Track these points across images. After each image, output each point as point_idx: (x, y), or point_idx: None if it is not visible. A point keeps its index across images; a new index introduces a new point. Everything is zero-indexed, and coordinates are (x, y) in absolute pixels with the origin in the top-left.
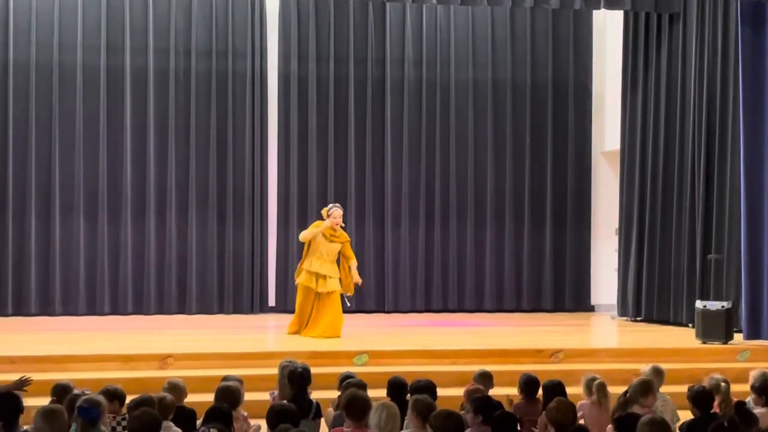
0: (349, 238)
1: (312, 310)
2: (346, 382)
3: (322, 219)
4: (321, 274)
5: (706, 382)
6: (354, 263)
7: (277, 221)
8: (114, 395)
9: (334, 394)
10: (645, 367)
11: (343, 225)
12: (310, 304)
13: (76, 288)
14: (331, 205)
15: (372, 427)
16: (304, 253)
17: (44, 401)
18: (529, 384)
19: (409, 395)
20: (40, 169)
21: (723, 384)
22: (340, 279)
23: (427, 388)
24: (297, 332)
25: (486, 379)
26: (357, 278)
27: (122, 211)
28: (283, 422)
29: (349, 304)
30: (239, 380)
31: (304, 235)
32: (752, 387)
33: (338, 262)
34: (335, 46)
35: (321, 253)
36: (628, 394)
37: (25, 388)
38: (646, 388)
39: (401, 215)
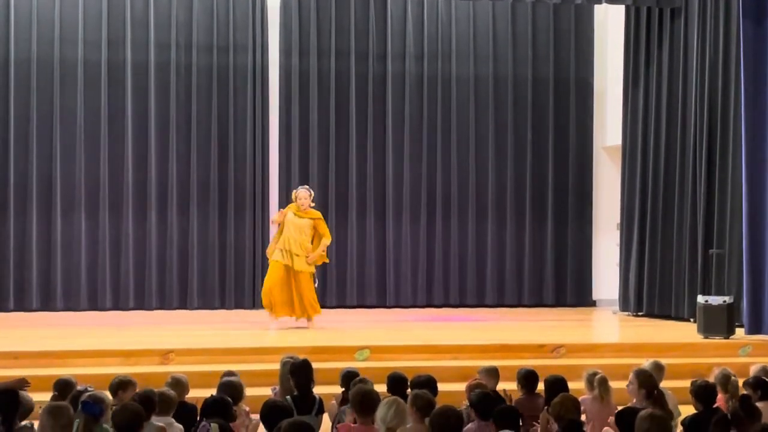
0: (320, 216)
1: (292, 289)
2: (356, 380)
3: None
4: (292, 251)
5: (714, 375)
6: (325, 241)
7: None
8: (128, 384)
9: (336, 389)
10: (646, 363)
11: (313, 204)
12: (283, 281)
13: (78, 283)
14: (299, 188)
15: (377, 420)
16: (276, 233)
17: (46, 396)
18: (528, 378)
19: (409, 390)
20: (41, 165)
21: (733, 378)
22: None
23: (428, 383)
24: (270, 307)
25: (491, 374)
26: (318, 254)
27: (123, 206)
28: (277, 418)
29: (315, 284)
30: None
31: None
32: (746, 383)
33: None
34: (336, 41)
35: (290, 230)
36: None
37: (24, 388)
38: None
39: (402, 210)
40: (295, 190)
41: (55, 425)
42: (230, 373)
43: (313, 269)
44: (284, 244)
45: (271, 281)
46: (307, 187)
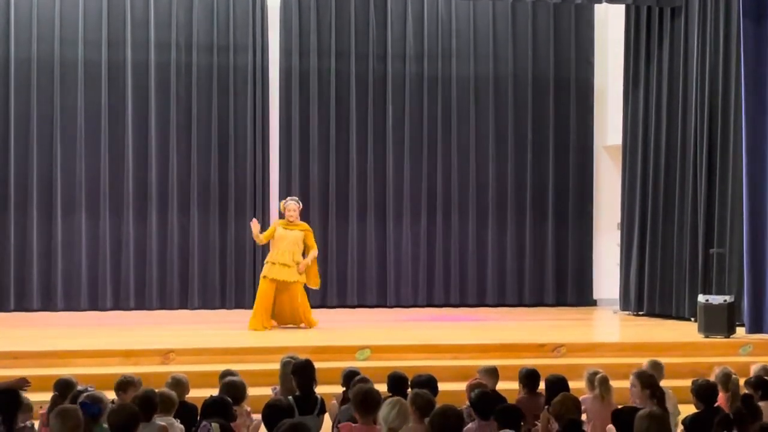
0: (309, 228)
1: (274, 301)
2: (356, 379)
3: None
4: (280, 263)
5: (714, 374)
6: (314, 252)
7: (278, 216)
8: (128, 385)
9: (337, 389)
10: (646, 362)
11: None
12: (271, 297)
13: (78, 283)
14: (287, 199)
15: (380, 419)
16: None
17: (46, 396)
18: (529, 377)
19: (409, 390)
20: (41, 165)
21: (733, 377)
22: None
23: (428, 383)
24: (258, 328)
25: (490, 374)
26: (307, 263)
27: (124, 206)
28: (279, 418)
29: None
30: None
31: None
32: (747, 382)
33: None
34: (336, 41)
35: (284, 243)
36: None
37: (25, 388)
38: None
39: (403, 210)
40: (283, 201)
41: (63, 428)
42: (230, 373)
43: (305, 279)
44: (277, 257)
45: (262, 305)
46: (296, 198)
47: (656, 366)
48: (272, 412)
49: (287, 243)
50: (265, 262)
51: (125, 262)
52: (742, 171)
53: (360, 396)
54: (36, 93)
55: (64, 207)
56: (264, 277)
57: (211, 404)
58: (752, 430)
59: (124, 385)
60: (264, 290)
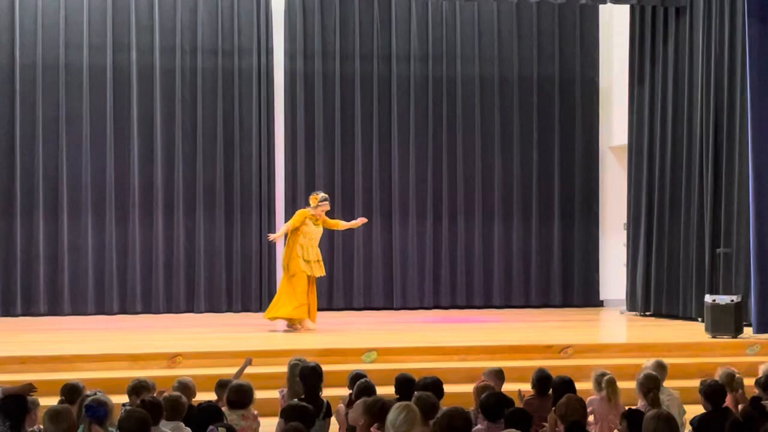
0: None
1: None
2: (360, 382)
3: (309, 205)
4: (314, 260)
5: (717, 375)
6: (343, 223)
7: (284, 219)
8: (142, 389)
9: (343, 391)
10: (648, 362)
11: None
12: (308, 290)
13: (85, 287)
14: (322, 196)
15: (387, 423)
16: (290, 240)
17: (54, 401)
18: (541, 380)
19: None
20: (47, 169)
21: (737, 376)
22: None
23: (434, 385)
24: (300, 318)
25: (496, 376)
26: (358, 221)
27: (130, 210)
28: (299, 420)
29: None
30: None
31: (287, 228)
32: (757, 382)
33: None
34: (341, 43)
35: (311, 239)
36: None
37: (31, 393)
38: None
39: (408, 212)
40: (316, 195)
41: (57, 429)
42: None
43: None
44: (308, 254)
45: (303, 294)
46: (327, 197)
47: (660, 366)
48: (296, 413)
49: (315, 239)
50: (300, 257)
51: (131, 266)
52: (749, 170)
53: (369, 408)
54: (41, 97)
55: (70, 211)
56: (303, 272)
57: (204, 409)
58: (761, 430)
59: (137, 389)
60: (303, 281)
